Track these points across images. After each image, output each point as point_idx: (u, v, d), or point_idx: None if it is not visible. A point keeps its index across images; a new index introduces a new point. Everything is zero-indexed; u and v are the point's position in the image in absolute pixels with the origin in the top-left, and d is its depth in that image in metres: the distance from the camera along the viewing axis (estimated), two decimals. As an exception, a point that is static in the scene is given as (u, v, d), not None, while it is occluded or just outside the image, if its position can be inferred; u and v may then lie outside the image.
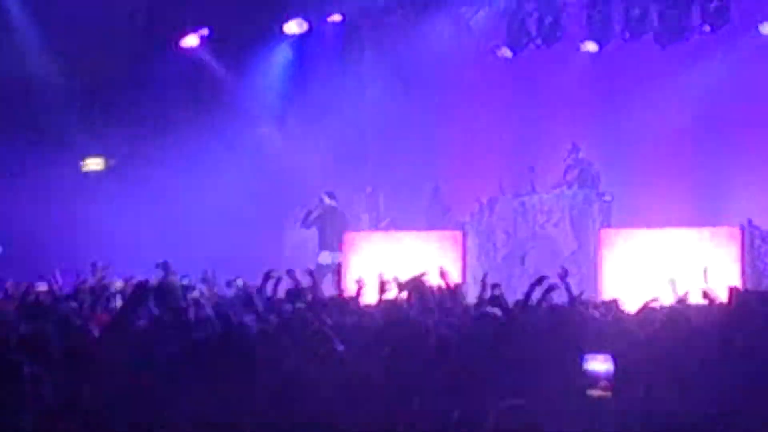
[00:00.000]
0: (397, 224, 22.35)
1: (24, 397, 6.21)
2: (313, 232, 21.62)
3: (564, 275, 11.06)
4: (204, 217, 22.55)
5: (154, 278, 12.56)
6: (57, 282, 13.85)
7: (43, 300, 11.78)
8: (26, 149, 23.42)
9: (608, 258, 19.76)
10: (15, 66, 23.35)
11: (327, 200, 21.53)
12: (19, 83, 23.46)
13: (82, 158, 24.88)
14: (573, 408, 6.18)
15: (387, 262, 20.07)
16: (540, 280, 10.43)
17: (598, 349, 7.52)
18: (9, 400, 5.98)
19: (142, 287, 9.03)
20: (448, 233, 21.43)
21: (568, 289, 10.96)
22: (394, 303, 11.51)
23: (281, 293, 12.78)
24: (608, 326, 9.69)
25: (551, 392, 6.27)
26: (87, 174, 25.35)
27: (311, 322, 8.98)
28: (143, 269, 14.37)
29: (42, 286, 13.30)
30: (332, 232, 21.26)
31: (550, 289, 10.40)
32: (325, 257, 20.82)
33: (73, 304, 11.71)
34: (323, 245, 21.27)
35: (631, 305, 12.20)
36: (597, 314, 10.83)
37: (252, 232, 22.49)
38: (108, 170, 25.33)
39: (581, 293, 12.27)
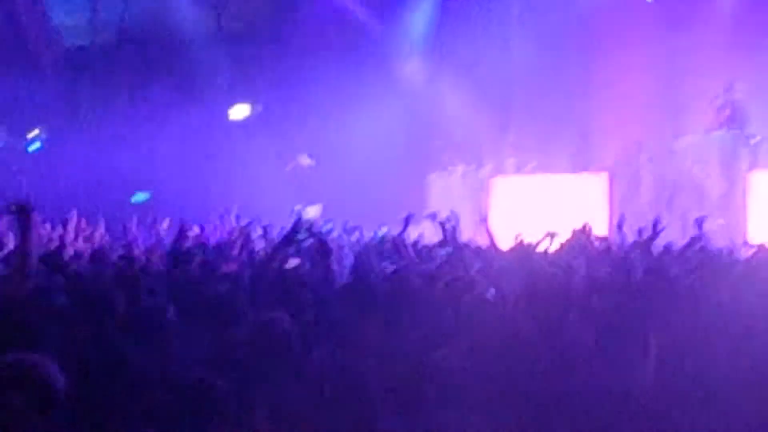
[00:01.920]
0: (542, 169, 22.34)
1: (170, 345, 6.47)
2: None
3: (700, 222, 10.99)
4: (347, 164, 22.83)
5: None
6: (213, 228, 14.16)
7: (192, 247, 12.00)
8: (173, 96, 23.92)
9: (757, 201, 19.53)
10: (160, 13, 23.83)
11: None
12: (166, 30, 23.93)
13: (229, 105, 25.30)
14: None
15: (533, 206, 20.18)
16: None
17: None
18: (155, 346, 6.18)
19: (294, 230, 9.23)
20: (593, 176, 21.40)
21: (706, 238, 10.93)
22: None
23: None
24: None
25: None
26: (233, 121, 25.79)
27: (458, 268, 9.14)
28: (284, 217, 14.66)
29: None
30: None
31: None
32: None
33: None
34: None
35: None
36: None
37: (396, 178, 22.68)
38: (253, 117, 25.70)
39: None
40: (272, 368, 5.04)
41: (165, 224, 14.51)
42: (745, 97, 21.00)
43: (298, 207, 19.41)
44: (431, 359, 5.93)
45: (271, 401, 4.92)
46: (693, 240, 11.00)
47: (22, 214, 7.32)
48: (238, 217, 15.31)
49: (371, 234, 15.93)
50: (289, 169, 23.09)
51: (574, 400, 4.80)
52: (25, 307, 6.60)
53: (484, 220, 12.83)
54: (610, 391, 4.96)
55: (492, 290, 7.86)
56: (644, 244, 9.48)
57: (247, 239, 12.22)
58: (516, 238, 10.66)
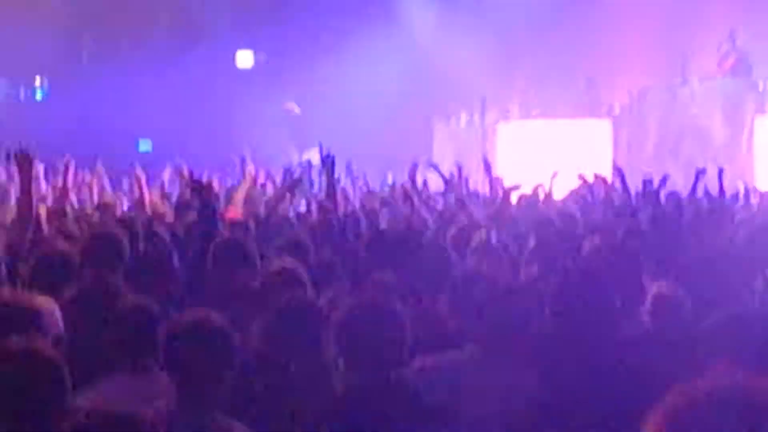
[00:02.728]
0: (547, 114, 22.27)
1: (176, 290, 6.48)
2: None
3: (720, 173, 10.95)
4: (351, 110, 22.79)
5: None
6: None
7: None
8: (179, 43, 23.85)
9: (762, 146, 19.48)
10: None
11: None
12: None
13: (230, 52, 25.22)
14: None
15: (537, 151, 20.15)
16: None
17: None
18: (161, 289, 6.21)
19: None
20: (598, 122, 21.35)
21: (721, 185, 10.89)
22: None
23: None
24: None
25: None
26: (239, 69, 25.72)
27: (461, 216, 9.13)
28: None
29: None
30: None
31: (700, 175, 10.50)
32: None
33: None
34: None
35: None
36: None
37: (400, 124, 22.67)
38: (258, 65, 25.63)
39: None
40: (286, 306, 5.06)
41: (166, 173, 14.43)
42: (749, 44, 20.88)
43: (305, 155, 19.48)
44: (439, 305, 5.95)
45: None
46: (693, 188, 10.95)
47: (23, 163, 7.31)
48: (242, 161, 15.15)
49: (377, 180, 15.91)
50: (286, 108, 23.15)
51: (574, 348, 4.82)
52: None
53: (488, 167, 12.79)
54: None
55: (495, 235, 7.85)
56: (650, 195, 9.43)
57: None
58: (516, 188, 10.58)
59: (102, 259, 6.29)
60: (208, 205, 7.06)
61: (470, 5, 23.15)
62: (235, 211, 9.93)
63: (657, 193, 9.57)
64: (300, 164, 16.57)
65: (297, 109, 22.79)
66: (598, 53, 22.57)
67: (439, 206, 10.88)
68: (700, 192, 11.26)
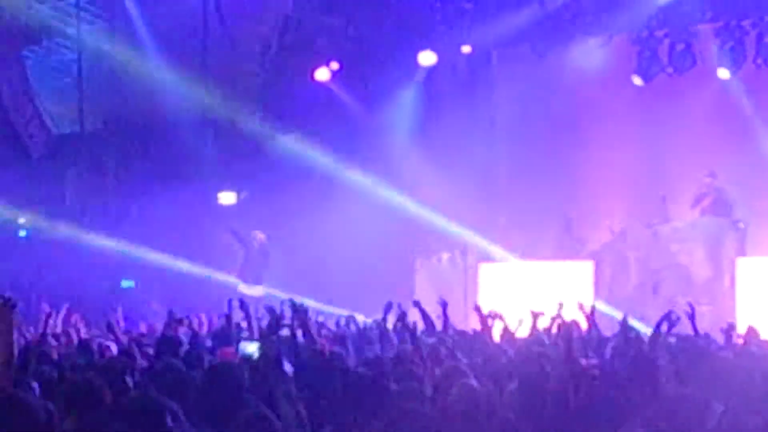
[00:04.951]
0: (528, 255, 22.37)
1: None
2: None
3: (692, 313, 11.00)
4: (333, 250, 22.82)
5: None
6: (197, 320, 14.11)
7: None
8: (161, 182, 23.94)
9: (744, 287, 19.56)
10: (150, 102, 23.97)
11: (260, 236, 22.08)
12: (155, 119, 24.06)
13: (216, 191, 25.32)
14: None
15: (520, 292, 20.18)
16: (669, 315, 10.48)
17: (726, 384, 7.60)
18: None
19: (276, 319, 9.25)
20: (580, 263, 21.45)
21: (694, 326, 10.94)
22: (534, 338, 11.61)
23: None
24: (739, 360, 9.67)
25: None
26: (220, 206, 25.78)
27: (445, 357, 9.13)
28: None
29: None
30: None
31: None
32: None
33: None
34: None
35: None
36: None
37: (383, 264, 22.67)
38: (240, 203, 25.70)
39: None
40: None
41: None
42: (728, 184, 21.13)
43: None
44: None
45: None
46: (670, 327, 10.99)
47: (4, 309, 7.34)
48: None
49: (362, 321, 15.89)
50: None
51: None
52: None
53: (477, 308, 12.80)
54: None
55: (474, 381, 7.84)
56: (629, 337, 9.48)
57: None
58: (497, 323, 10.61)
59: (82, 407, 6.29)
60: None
61: (451, 148, 23.33)
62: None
63: (638, 334, 9.61)
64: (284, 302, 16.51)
65: (262, 236, 22.80)
66: (578, 194, 22.81)
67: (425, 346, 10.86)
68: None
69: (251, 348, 9.43)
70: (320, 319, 15.69)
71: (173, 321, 12.29)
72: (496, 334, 12.04)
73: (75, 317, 14.19)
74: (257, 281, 21.44)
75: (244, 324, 12.28)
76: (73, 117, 24.60)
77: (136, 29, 24.46)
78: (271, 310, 9.90)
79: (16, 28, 24.14)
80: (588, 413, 6.34)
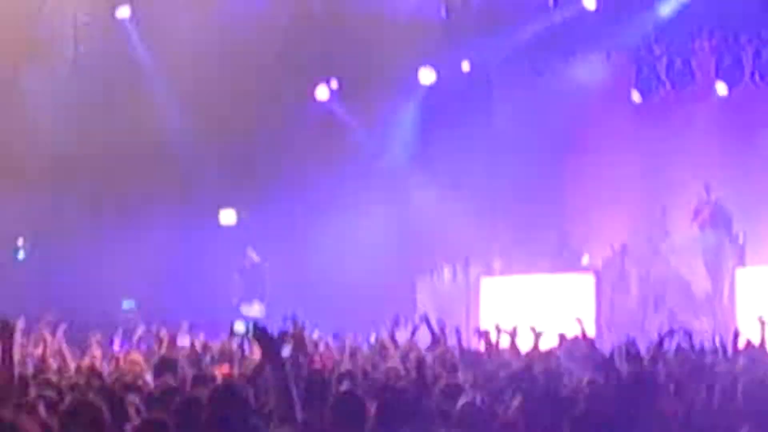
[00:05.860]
0: (528, 269, 22.38)
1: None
2: None
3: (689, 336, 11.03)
4: (335, 268, 22.82)
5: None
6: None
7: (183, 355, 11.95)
8: (161, 202, 23.91)
9: (744, 297, 19.60)
10: (151, 123, 23.97)
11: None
12: (155, 139, 24.04)
13: (216, 211, 25.29)
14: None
15: (522, 306, 20.22)
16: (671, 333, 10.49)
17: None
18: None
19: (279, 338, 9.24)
20: (581, 277, 21.47)
21: (691, 343, 10.96)
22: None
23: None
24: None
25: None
26: (220, 226, 25.74)
27: (441, 375, 9.14)
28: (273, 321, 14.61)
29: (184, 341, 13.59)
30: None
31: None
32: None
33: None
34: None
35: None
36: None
37: (383, 281, 22.67)
38: (240, 222, 25.66)
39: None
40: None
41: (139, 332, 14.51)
42: (726, 197, 21.18)
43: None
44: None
45: None
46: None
47: (4, 332, 7.40)
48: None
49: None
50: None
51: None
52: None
53: (479, 332, 12.75)
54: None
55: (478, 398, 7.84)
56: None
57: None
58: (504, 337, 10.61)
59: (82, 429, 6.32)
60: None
61: (451, 164, 23.39)
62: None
63: (638, 350, 9.62)
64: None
65: (256, 257, 22.86)
66: (577, 210, 22.86)
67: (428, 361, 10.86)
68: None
69: (240, 326, 9.96)
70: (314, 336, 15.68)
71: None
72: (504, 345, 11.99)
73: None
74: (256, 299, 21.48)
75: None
76: (71, 138, 24.53)
77: (135, 50, 24.49)
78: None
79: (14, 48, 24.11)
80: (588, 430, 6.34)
